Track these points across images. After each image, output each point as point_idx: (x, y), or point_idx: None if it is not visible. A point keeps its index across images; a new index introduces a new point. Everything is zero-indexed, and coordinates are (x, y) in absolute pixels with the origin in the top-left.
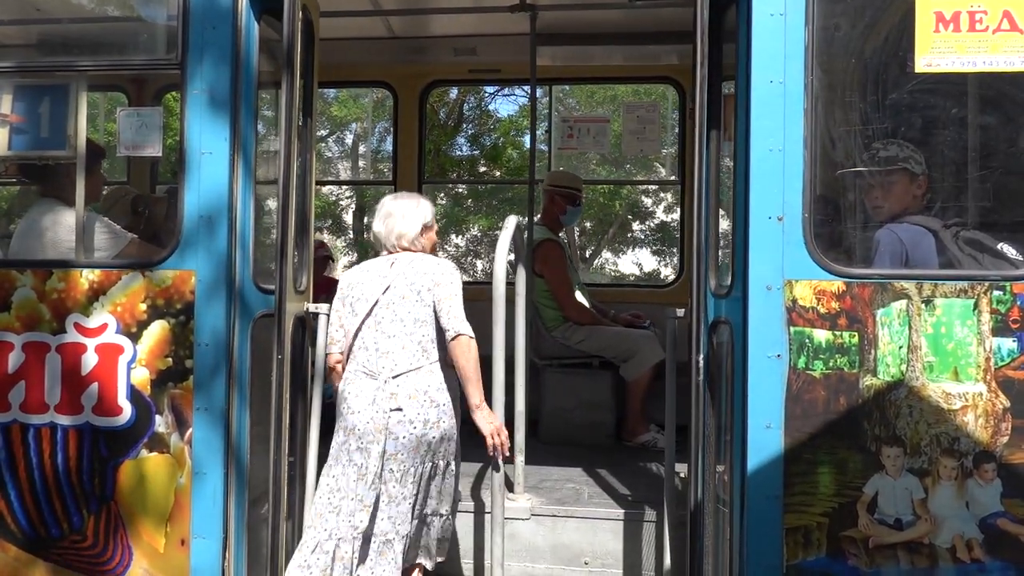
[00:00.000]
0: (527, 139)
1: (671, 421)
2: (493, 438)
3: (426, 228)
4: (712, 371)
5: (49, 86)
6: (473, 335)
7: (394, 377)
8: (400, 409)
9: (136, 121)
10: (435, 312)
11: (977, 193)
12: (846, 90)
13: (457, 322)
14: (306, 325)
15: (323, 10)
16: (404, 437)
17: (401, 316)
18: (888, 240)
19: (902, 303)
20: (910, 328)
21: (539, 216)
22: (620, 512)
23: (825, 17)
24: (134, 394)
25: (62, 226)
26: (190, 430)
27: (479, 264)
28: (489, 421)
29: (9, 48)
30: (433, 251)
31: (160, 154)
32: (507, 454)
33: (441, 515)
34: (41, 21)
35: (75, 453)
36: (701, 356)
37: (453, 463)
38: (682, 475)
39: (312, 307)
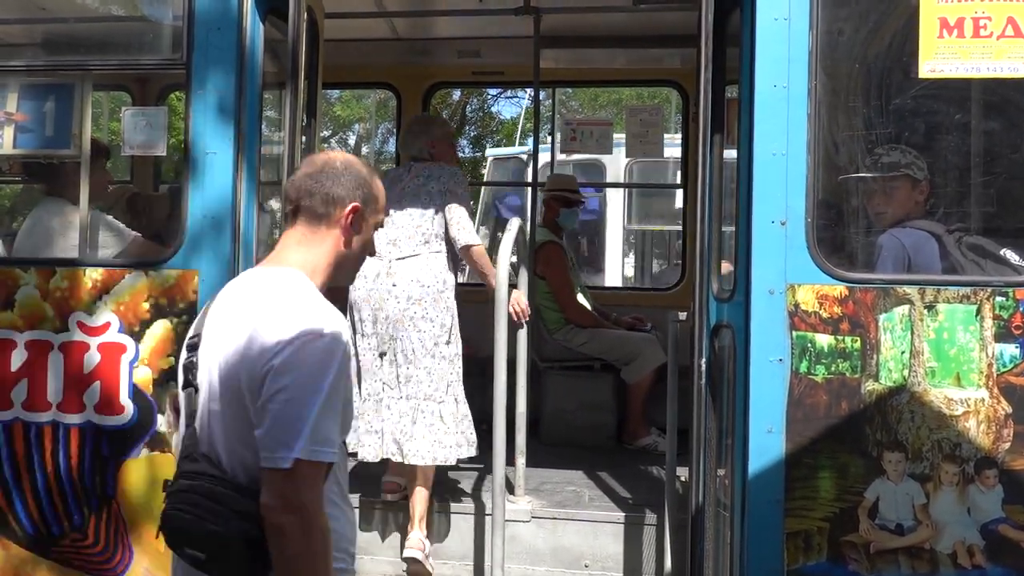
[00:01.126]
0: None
1: (672, 424)
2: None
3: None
4: (714, 375)
5: (54, 85)
6: (480, 242)
7: (396, 260)
8: (395, 286)
9: (141, 120)
10: (444, 215)
11: (980, 199)
12: (850, 95)
13: (465, 233)
14: None
15: (327, 11)
16: (392, 310)
17: (409, 211)
18: (891, 245)
19: (904, 308)
20: (912, 333)
21: (541, 219)
22: (621, 515)
23: (829, 21)
24: (136, 393)
25: (66, 224)
26: None
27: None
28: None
29: (15, 47)
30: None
31: (164, 153)
32: (526, 319)
33: (436, 401)
34: (46, 20)
35: (77, 452)
36: (703, 360)
37: (446, 351)
38: (683, 479)
39: None
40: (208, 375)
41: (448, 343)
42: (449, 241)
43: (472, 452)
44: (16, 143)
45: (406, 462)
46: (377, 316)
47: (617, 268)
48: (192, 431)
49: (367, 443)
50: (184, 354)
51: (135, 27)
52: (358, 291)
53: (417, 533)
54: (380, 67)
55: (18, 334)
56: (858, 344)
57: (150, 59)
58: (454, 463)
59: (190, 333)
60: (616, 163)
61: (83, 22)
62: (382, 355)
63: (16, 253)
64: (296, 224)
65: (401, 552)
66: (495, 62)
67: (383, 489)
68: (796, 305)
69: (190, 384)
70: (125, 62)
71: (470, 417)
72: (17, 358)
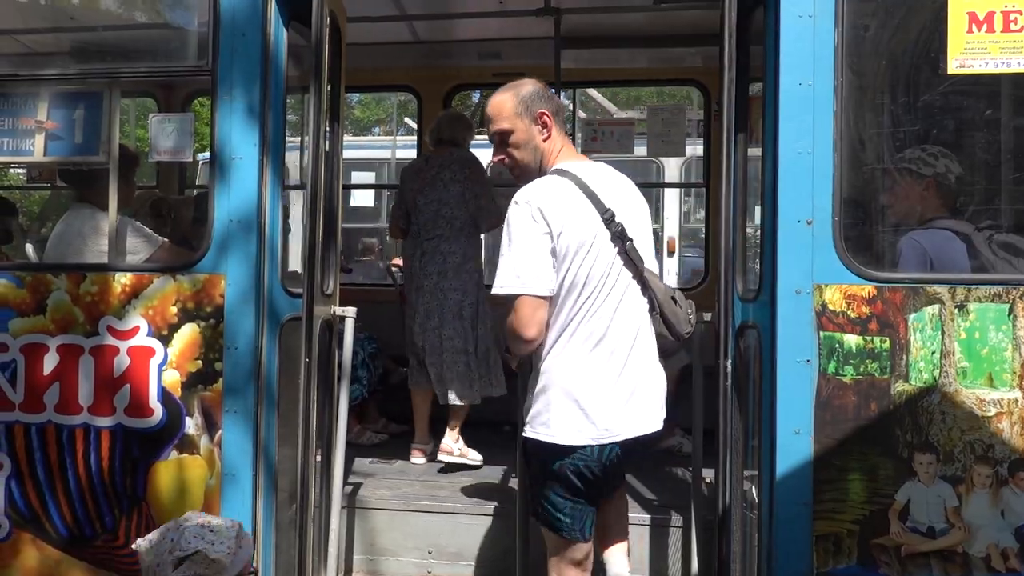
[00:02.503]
0: None
1: (698, 426)
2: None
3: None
4: (739, 376)
5: (83, 93)
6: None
7: (426, 240)
8: (425, 263)
9: (168, 126)
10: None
11: (1011, 196)
12: (876, 92)
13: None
14: (333, 328)
15: (349, 15)
16: (426, 282)
17: (447, 200)
18: (909, 249)
19: (935, 308)
20: (943, 333)
21: None
22: (647, 517)
23: (855, 18)
24: (165, 396)
25: (96, 230)
26: (219, 432)
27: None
28: None
29: (45, 57)
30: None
31: (191, 159)
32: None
33: (465, 353)
34: (75, 30)
35: (108, 454)
36: (728, 360)
37: (468, 312)
38: (709, 480)
39: (339, 310)
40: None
41: (471, 305)
42: (469, 222)
43: (502, 391)
44: (47, 151)
45: (448, 403)
46: (420, 287)
47: None
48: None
49: (440, 391)
50: (602, 224)
51: (161, 34)
52: (406, 268)
53: (448, 440)
54: (401, 70)
55: (50, 338)
56: (887, 344)
57: (176, 66)
58: (479, 402)
59: (602, 210)
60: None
61: (110, 30)
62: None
63: (47, 259)
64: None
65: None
66: (516, 63)
67: (411, 453)
68: (823, 305)
69: (629, 239)
70: (152, 69)
71: (500, 363)
72: (49, 362)
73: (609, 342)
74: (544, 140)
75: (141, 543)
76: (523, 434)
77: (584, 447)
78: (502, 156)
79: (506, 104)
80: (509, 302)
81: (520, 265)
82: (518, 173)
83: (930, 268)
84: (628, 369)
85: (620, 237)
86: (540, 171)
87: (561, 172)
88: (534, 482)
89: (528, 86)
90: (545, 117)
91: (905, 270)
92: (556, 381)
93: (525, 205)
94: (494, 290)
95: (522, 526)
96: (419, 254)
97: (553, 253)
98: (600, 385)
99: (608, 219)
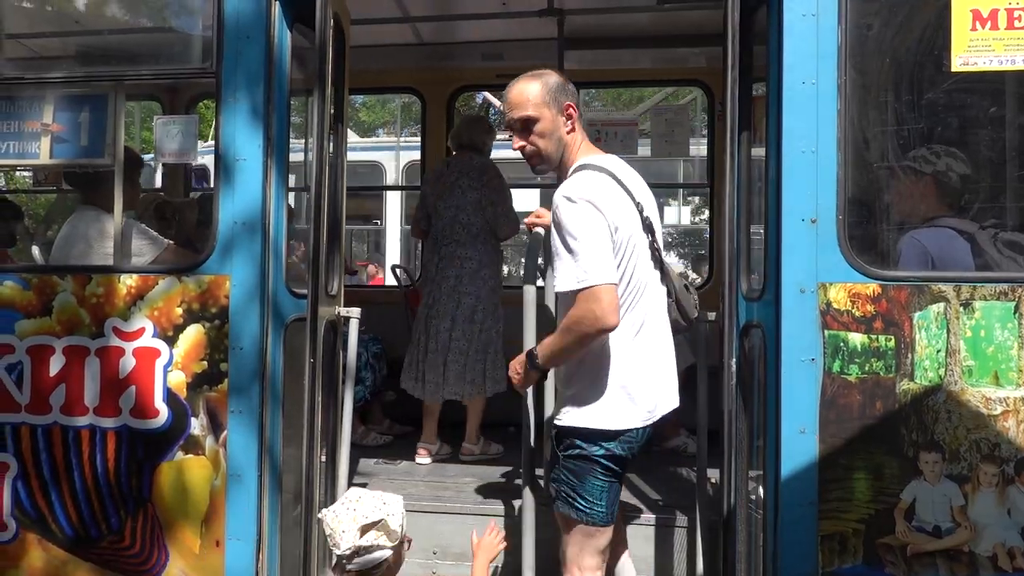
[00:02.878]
0: None
1: (703, 426)
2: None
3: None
4: (744, 375)
5: (88, 96)
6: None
7: (444, 246)
8: (443, 268)
9: (173, 129)
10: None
11: (1016, 194)
12: (880, 90)
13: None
14: (337, 329)
15: (353, 17)
16: (443, 287)
17: (464, 206)
18: (910, 248)
19: (940, 306)
20: (948, 331)
21: None
22: (651, 517)
23: (858, 16)
24: (170, 397)
25: (101, 233)
26: (225, 433)
27: (508, 268)
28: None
29: (50, 60)
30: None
31: (196, 161)
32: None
33: (467, 353)
34: (80, 33)
35: (113, 455)
36: (733, 360)
37: (479, 317)
38: (714, 480)
39: (344, 311)
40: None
41: (483, 311)
42: (486, 228)
43: (500, 388)
44: (52, 153)
45: (463, 401)
46: (437, 289)
47: None
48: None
49: (429, 390)
50: (639, 216)
51: (166, 38)
52: (425, 270)
53: (466, 443)
54: (404, 72)
55: (56, 340)
56: (892, 343)
57: (181, 68)
58: (490, 395)
59: (635, 204)
60: None
61: (115, 34)
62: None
63: (53, 261)
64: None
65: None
66: (519, 64)
67: (416, 453)
68: (828, 304)
69: (654, 230)
70: (157, 72)
71: (499, 362)
72: (55, 363)
73: (648, 329)
74: (568, 132)
75: (325, 512)
76: (564, 423)
77: (631, 430)
78: (524, 143)
79: (533, 92)
80: (576, 298)
81: (592, 257)
82: (537, 162)
83: (931, 267)
84: (661, 352)
85: (649, 229)
86: (561, 164)
87: (596, 167)
88: (570, 473)
89: (555, 76)
90: (570, 109)
91: (906, 269)
92: (604, 368)
93: (582, 202)
94: (570, 287)
95: (518, 526)
96: (436, 259)
97: (612, 245)
98: (644, 370)
99: (640, 212)
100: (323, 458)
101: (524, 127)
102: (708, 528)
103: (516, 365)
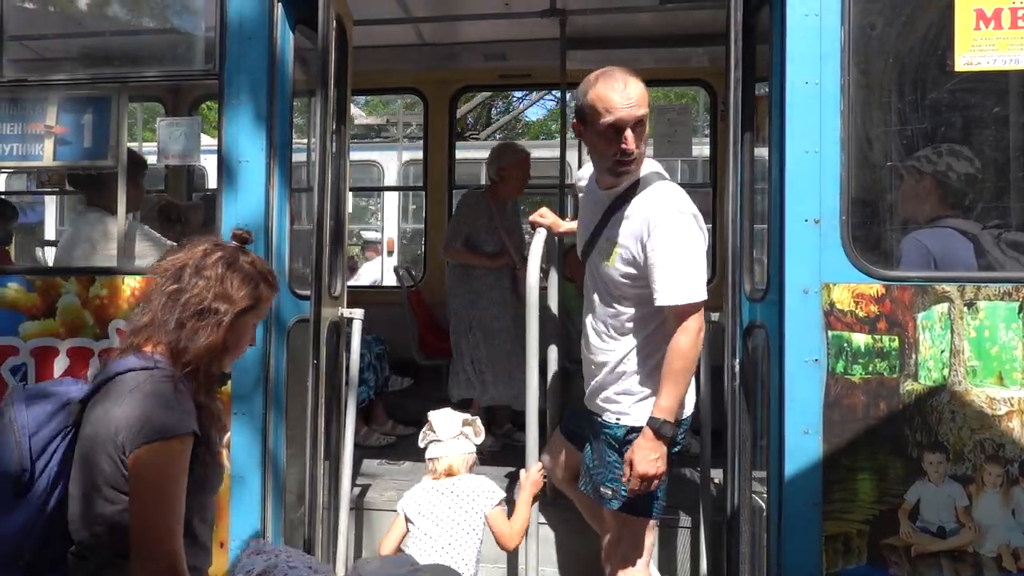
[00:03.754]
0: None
1: (706, 426)
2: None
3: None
4: (747, 376)
5: (91, 98)
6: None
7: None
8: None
9: (176, 130)
10: None
11: (1021, 194)
12: (883, 90)
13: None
14: (340, 330)
15: (356, 18)
16: (482, 300)
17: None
18: (911, 249)
19: (944, 306)
20: (952, 332)
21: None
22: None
23: (861, 16)
24: None
25: (105, 234)
26: (228, 435)
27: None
28: None
29: (53, 62)
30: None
31: (199, 162)
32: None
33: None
34: (83, 35)
35: None
36: (736, 360)
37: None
38: (717, 481)
39: (347, 312)
40: None
41: (505, 330)
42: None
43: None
44: (56, 155)
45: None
46: (475, 306)
47: None
48: None
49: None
50: None
51: (169, 39)
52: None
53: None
54: (407, 72)
55: (60, 341)
56: (896, 343)
57: (184, 70)
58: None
59: None
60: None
61: (118, 35)
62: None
63: (57, 263)
64: None
65: None
66: (521, 65)
67: None
68: (831, 304)
69: None
70: (160, 73)
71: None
72: (59, 365)
73: None
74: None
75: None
76: (637, 423)
77: (690, 415)
78: (638, 143)
79: (644, 93)
80: (676, 312)
81: (701, 273)
82: (632, 166)
83: (934, 267)
84: None
85: None
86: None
87: (668, 179)
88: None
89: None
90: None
91: (908, 269)
92: None
93: (689, 216)
94: (685, 300)
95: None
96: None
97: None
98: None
99: None
100: (326, 459)
101: (639, 126)
102: (711, 528)
103: (643, 459)
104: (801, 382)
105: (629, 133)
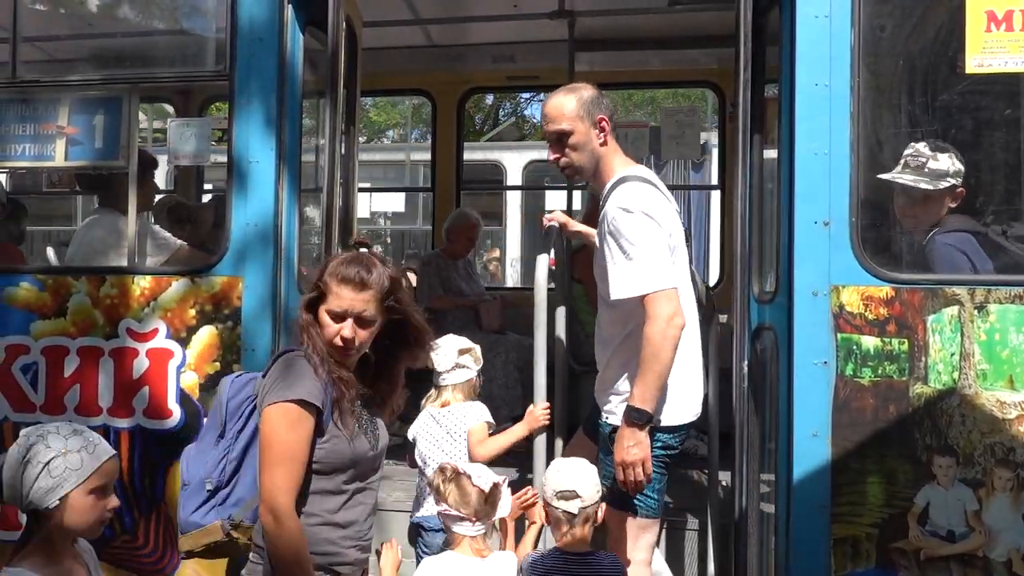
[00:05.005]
0: None
1: (714, 428)
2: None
3: None
4: (756, 378)
5: (103, 99)
6: None
7: None
8: None
9: (187, 131)
10: None
11: None
12: (894, 92)
13: None
14: None
15: (365, 20)
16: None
17: None
18: (945, 254)
19: (954, 309)
20: (962, 335)
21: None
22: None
23: (871, 17)
24: (183, 398)
25: (116, 234)
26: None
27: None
28: None
29: (65, 63)
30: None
31: (209, 163)
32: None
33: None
34: (94, 36)
35: (127, 455)
36: (745, 363)
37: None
38: (725, 483)
39: None
40: None
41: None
42: None
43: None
44: (68, 156)
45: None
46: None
47: None
48: None
49: None
50: (680, 225)
51: (179, 41)
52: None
53: None
54: (415, 74)
55: (71, 340)
56: (905, 346)
57: (195, 71)
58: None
59: (677, 211)
60: None
61: (129, 37)
62: None
63: (69, 263)
64: None
65: None
66: (530, 66)
67: None
68: (840, 307)
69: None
70: (171, 75)
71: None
72: (70, 364)
73: (690, 329)
74: (600, 145)
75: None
76: (616, 422)
77: (684, 424)
78: (558, 155)
79: (567, 105)
80: (642, 306)
81: (653, 264)
82: (571, 173)
83: (974, 270)
84: (700, 352)
85: (685, 236)
86: (596, 175)
87: (639, 179)
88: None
89: (588, 90)
90: (603, 123)
91: (949, 273)
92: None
93: (639, 212)
94: (629, 293)
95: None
96: None
97: (668, 250)
98: (694, 367)
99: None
100: None
101: (559, 140)
102: (719, 531)
103: (620, 447)
104: (810, 385)
105: (549, 146)
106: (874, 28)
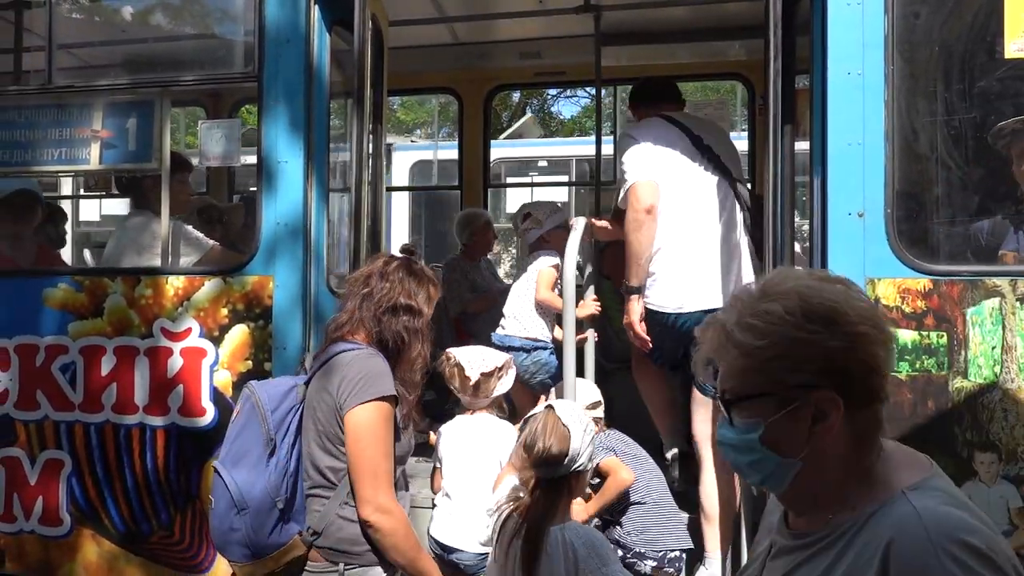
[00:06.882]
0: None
1: None
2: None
3: None
4: None
5: (135, 103)
6: None
7: None
8: None
9: (217, 133)
10: None
11: None
12: (929, 80)
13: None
14: None
15: (391, 19)
16: None
17: None
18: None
19: (995, 301)
20: (1004, 327)
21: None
22: (685, 516)
23: (905, 4)
24: (217, 396)
25: (150, 235)
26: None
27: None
28: None
29: (98, 69)
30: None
31: (240, 164)
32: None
33: None
34: (126, 42)
35: (163, 453)
36: None
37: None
38: None
39: None
40: None
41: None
42: None
43: None
44: (102, 159)
45: None
46: None
47: None
48: None
49: None
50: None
51: (209, 44)
52: None
53: None
54: (441, 72)
55: (107, 340)
56: (944, 340)
57: (224, 74)
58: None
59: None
60: None
61: (160, 41)
62: None
63: (105, 264)
64: None
65: None
66: (556, 62)
67: None
68: (876, 299)
69: None
70: (201, 78)
71: None
72: (107, 363)
73: (681, 227)
74: None
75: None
76: None
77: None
78: None
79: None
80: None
81: (631, 167)
82: None
83: None
84: (693, 249)
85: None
86: None
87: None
88: None
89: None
90: None
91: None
92: None
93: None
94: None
95: None
96: None
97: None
98: (682, 260)
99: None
100: None
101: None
102: (753, 528)
103: (625, 317)
104: None
105: None
106: (908, 14)
